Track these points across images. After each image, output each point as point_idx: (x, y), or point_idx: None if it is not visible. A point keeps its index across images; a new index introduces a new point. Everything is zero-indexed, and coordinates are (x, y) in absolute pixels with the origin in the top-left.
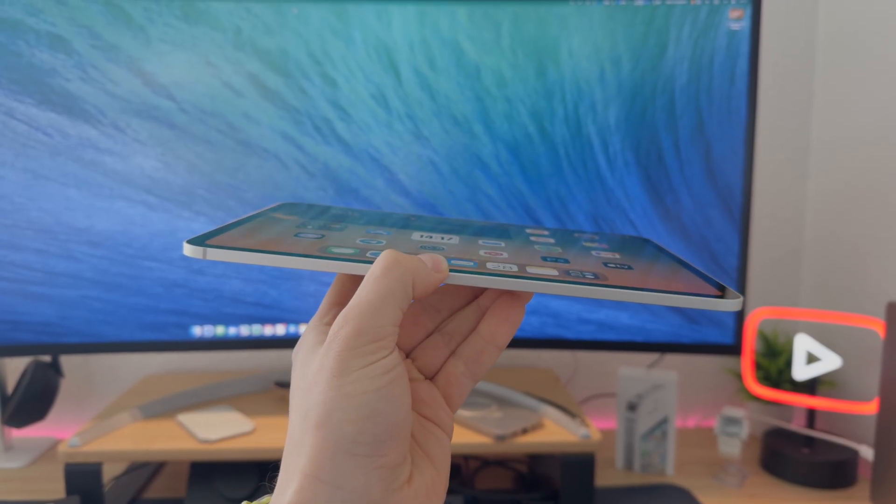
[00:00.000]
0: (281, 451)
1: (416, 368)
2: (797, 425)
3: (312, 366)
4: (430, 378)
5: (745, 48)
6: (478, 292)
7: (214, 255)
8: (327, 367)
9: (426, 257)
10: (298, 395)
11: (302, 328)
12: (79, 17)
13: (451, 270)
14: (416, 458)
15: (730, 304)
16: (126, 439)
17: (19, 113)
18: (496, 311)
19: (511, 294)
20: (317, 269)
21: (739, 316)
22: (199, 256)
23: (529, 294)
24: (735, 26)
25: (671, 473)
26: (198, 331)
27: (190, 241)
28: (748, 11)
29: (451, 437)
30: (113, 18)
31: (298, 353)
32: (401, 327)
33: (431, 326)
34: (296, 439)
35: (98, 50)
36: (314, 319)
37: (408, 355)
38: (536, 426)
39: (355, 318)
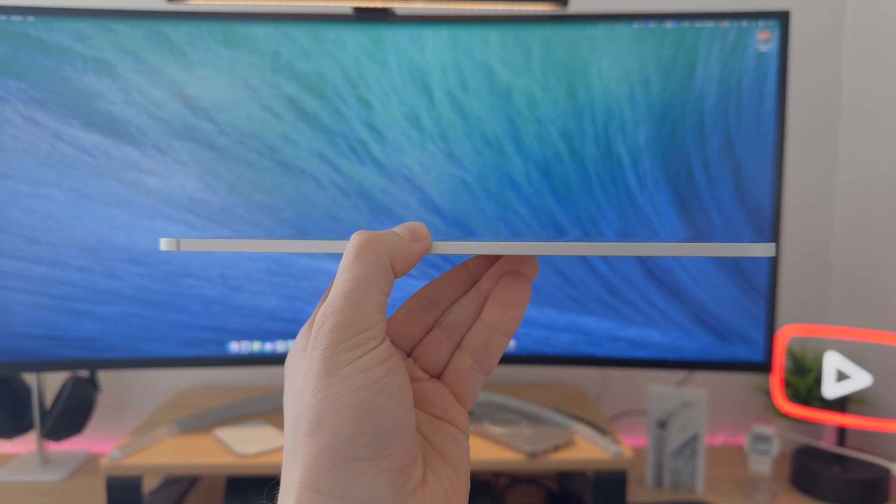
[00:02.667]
0: None
1: (420, 368)
2: (827, 443)
3: (301, 370)
4: (437, 376)
5: (773, 69)
6: (476, 277)
7: (188, 245)
8: (314, 368)
9: (402, 228)
10: (290, 402)
11: None
12: (124, 43)
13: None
14: (429, 460)
15: (761, 249)
16: (165, 453)
17: (66, 135)
18: (499, 295)
19: (513, 274)
20: (286, 251)
21: (769, 333)
22: (174, 249)
23: (534, 270)
24: (763, 48)
25: (701, 491)
26: (235, 346)
27: (165, 239)
28: (776, 33)
29: (468, 436)
30: (156, 44)
31: (289, 361)
32: (397, 325)
33: (430, 321)
34: (290, 450)
35: (142, 74)
36: (304, 325)
37: (409, 355)
38: (568, 443)
39: (335, 311)
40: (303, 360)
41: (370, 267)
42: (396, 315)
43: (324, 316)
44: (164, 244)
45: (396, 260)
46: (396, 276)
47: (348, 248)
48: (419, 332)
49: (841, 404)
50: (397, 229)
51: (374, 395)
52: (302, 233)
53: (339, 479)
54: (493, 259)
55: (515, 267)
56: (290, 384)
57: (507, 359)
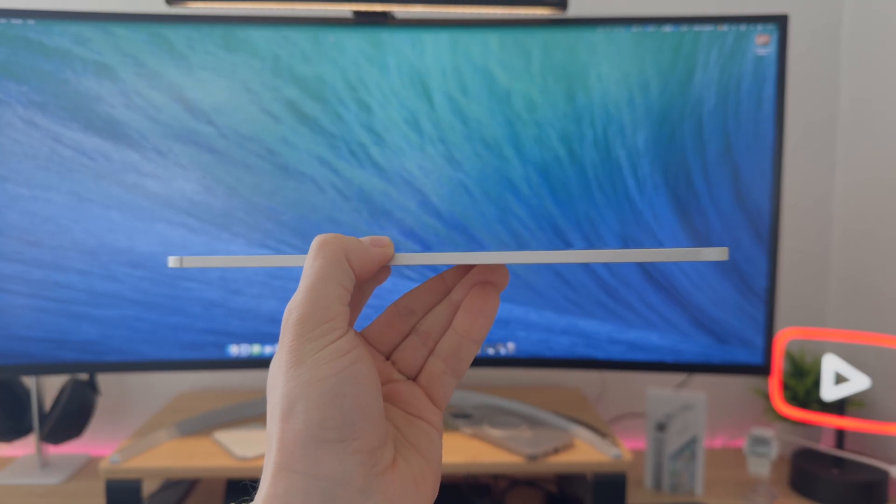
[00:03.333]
0: None
1: (398, 370)
2: (826, 446)
3: (274, 363)
4: (413, 378)
5: (771, 73)
6: (450, 287)
7: (190, 262)
8: (283, 360)
9: (366, 238)
10: (268, 392)
11: None
12: (124, 46)
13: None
14: (401, 448)
15: (714, 254)
16: (165, 456)
17: (66, 138)
18: (469, 305)
19: (482, 285)
20: (271, 266)
21: (768, 336)
22: (178, 265)
23: (503, 281)
24: (762, 52)
25: (700, 493)
26: (234, 349)
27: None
28: (774, 37)
29: (440, 433)
30: (156, 47)
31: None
32: (377, 331)
33: (407, 328)
34: (269, 435)
35: (141, 77)
36: None
37: (388, 358)
38: (567, 446)
39: (297, 305)
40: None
41: (328, 263)
42: (377, 322)
43: (288, 311)
44: (171, 262)
45: (352, 257)
46: (358, 276)
47: (310, 249)
48: (397, 337)
49: (839, 407)
50: (363, 238)
51: (340, 383)
52: (302, 236)
53: (312, 459)
54: (466, 270)
55: (485, 277)
56: (269, 376)
57: (507, 362)
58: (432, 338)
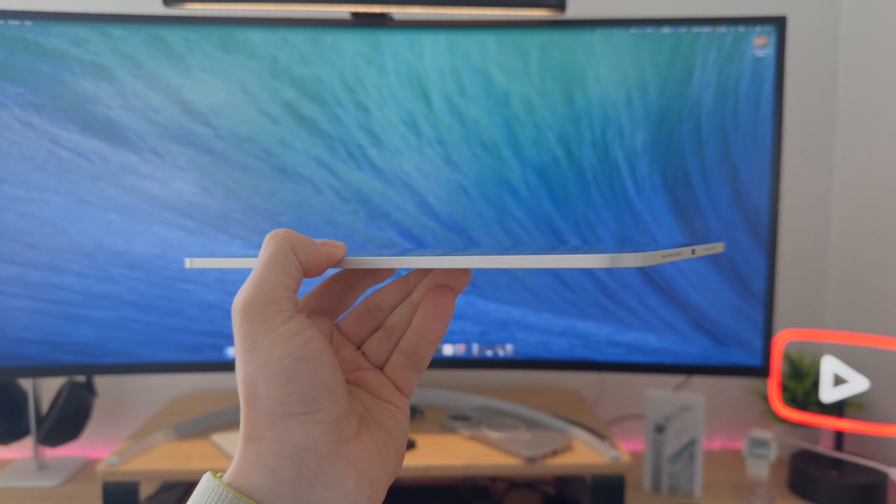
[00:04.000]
0: None
1: (367, 360)
2: (824, 447)
3: (235, 349)
4: (381, 368)
5: (769, 74)
6: (411, 288)
7: (196, 263)
8: (238, 345)
9: (320, 240)
10: (236, 377)
11: None
12: (122, 48)
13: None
14: (367, 423)
15: (632, 259)
16: (162, 459)
17: (63, 139)
18: (424, 308)
19: (437, 289)
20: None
21: (767, 337)
22: (187, 266)
23: (459, 285)
24: (760, 53)
25: (699, 495)
26: (232, 352)
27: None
28: (773, 39)
29: (407, 417)
30: (154, 48)
31: None
32: (348, 323)
33: (376, 323)
34: (240, 412)
35: (139, 79)
36: None
37: (359, 348)
38: (566, 448)
39: (243, 291)
40: None
41: (274, 252)
42: (349, 315)
43: (236, 299)
44: (187, 263)
45: (298, 249)
46: (306, 270)
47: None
48: (366, 331)
49: (838, 408)
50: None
51: (295, 362)
52: None
53: (279, 429)
54: (427, 272)
55: (441, 281)
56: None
57: (505, 363)
58: (396, 334)
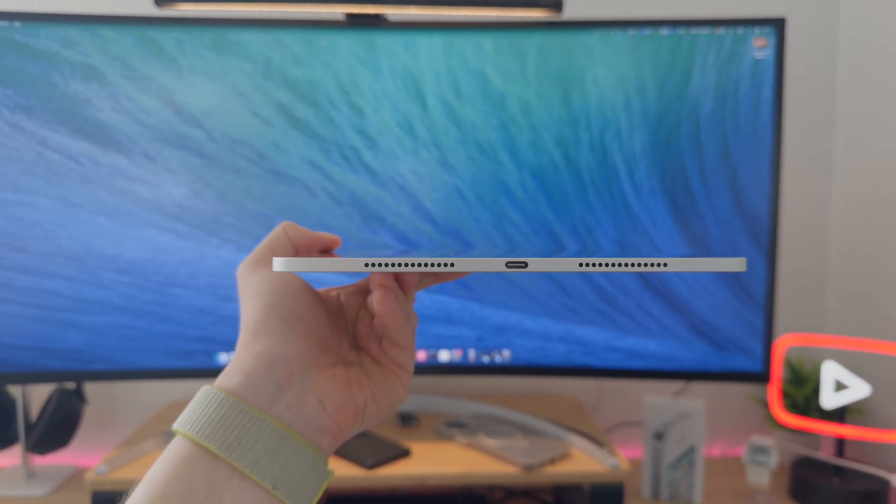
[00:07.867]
0: None
1: (375, 333)
2: (825, 454)
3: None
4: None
5: (769, 76)
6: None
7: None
8: (240, 294)
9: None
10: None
11: None
12: (112, 49)
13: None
14: (358, 372)
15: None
16: None
17: (52, 142)
18: (374, 306)
19: (376, 287)
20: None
21: (767, 343)
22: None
23: (408, 282)
24: (759, 55)
25: (699, 503)
26: (224, 357)
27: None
28: (772, 40)
29: (402, 383)
30: (145, 50)
31: None
32: (347, 295)
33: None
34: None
35: (130, 81)
36: None
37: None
38: (564, 455)
39: (246, 258)
40: None
41: (270, 234)
42: (346, 288)
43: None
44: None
45: (290, 230)
46: (296, 246)
47: None
48: (360, 305)
49: (839, 415)
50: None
51: (277, 296)
52: None
53: (260, 343)
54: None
55: (380, 280)
56: None
57: (502, 369)
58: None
